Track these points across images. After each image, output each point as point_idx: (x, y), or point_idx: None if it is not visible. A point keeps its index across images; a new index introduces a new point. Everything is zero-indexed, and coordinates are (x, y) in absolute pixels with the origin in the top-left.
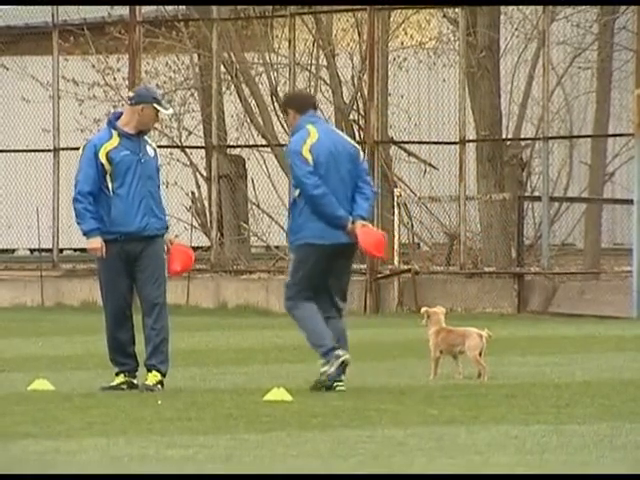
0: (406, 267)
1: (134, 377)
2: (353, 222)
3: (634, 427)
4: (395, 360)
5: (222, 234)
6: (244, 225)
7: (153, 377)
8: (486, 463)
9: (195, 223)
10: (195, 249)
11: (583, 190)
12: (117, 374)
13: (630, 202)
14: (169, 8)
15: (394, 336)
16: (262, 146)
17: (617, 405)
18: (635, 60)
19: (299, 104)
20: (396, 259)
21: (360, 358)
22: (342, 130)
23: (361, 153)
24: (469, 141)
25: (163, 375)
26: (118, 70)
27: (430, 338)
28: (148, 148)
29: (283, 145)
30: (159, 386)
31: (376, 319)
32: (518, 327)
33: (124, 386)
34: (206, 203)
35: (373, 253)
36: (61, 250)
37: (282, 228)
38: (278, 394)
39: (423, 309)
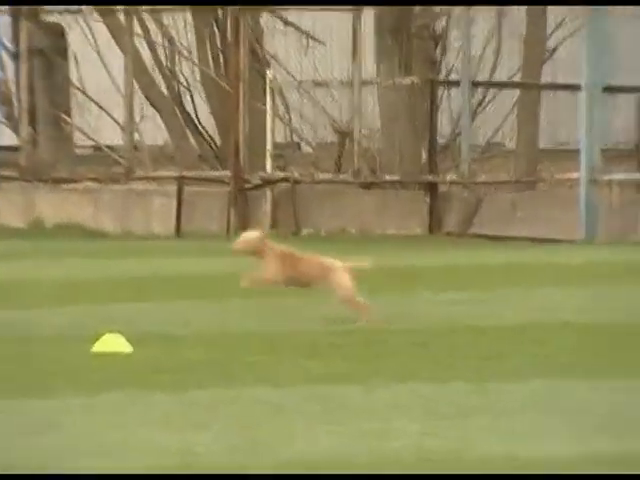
0: (282, 175)
1: None
2: None
3: (577, 385)
4: (269, 298)
5: (35, 129)
6: (65, 118)
7: None
8: (385, 433)
9: None
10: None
11: (515, 72)
12: None
13: (577, 88)
14: None
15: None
16: (88, 10)
17: (556, 356)
18: None
19: None
20: (269, 164)
21: (220, 294)
22: None
23: None
24: (365, 3)
25: None
26: None
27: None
28: None
29: (117, 9)
30: None
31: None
32: (430, 254)
33: None
34: (13, 88)
35: None
36: None
37: (117, 122)
38: (112, 343)
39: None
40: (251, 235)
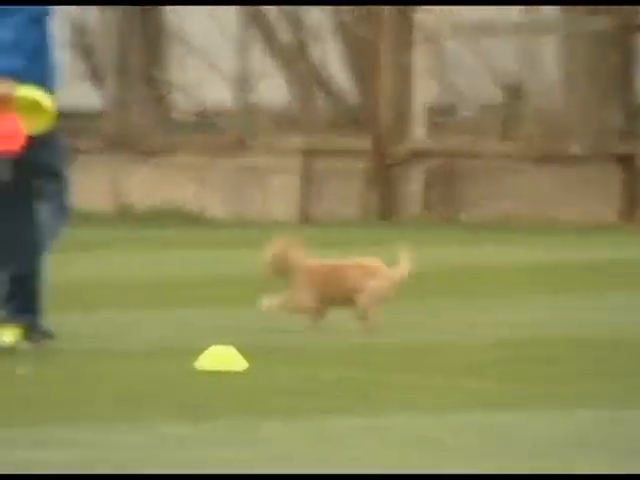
0: (436, 146)
1: None
2: None
3: None
4: (413, 301)
5: (125, 90)
6: (162, 75)
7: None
8: (564, 470)
9: (77, 70)
10: (79, 116)
11: None
12: None
13: None
14: None
15: (416, 257)
16: None
17: None
18: None
19: None
20: (419, 132)
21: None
22: None
23: None
24: None
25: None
26: None
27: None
28: None
29: None
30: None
31: (386, 230)
32: (627, 245)
33: None
34: (98, 38)
35: None
36: None
37: (226, 80)
38: (222, 357)
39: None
40: (278, 247)
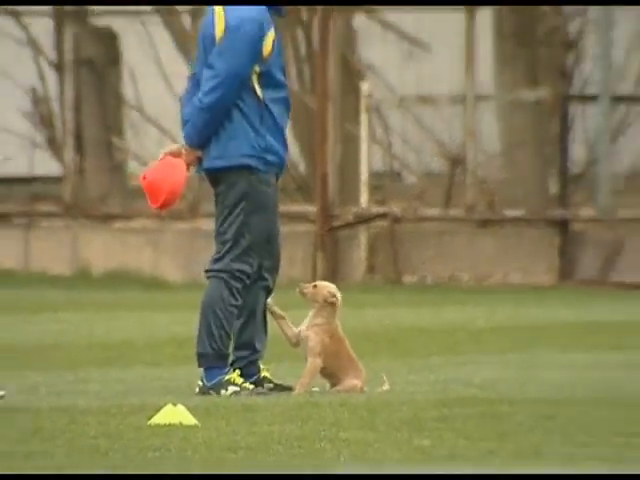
0: (380, 210)
1: None
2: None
3: None
4: (362, 357)
5: (82, 156)
6: (117, 142)
7: None
8: None
9: (38, 138)
10: (37, 180)
11: None
12: None
13: None
14: None
15: (362, 319)
16: (146, 11)
17: None
18: None
19: None
20: (364, 198)
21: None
22: None
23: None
24: (481, 3)
25: None
26: None
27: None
28: None
29: (180, 9)
30: None
31: None
32: (560, 306)
33: None
34: (56, 106)
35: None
36: None
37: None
38: (174, 415)
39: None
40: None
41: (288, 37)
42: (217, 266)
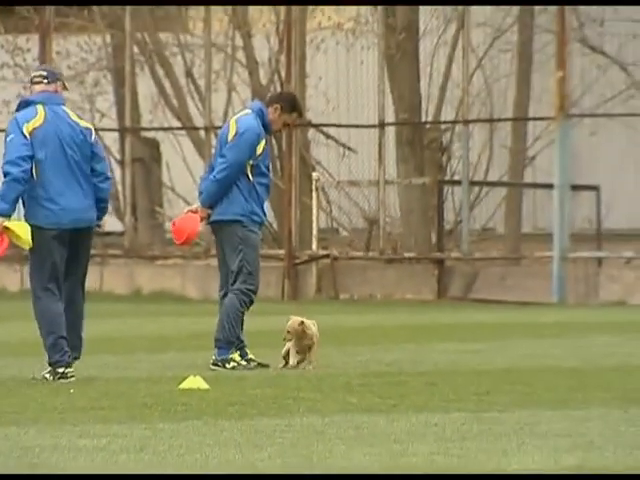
0: (325, 252)
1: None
2: None
3: (554, 415)
4: None
5: (136, 219)
6: (159, 210)
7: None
8: (405, 452)
9: (109, 207)
10: (108, 234)
11: (504, 174)
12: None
13: (551, 186)
14: None
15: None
16: (177, 129)
17: (537, 392)
18: (555, 42)
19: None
20: (314, 244)
21: (277, 345)
22: None
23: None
24: (388, 124)
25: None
26: (28, 50)
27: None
28: None
29: (199, 128)
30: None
31: (294, 306)
32: (438, 314)
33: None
34: (120, 187)
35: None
36: None
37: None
38: (194, 382)
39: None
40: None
41: (270, 144)
42: (233, 287)
